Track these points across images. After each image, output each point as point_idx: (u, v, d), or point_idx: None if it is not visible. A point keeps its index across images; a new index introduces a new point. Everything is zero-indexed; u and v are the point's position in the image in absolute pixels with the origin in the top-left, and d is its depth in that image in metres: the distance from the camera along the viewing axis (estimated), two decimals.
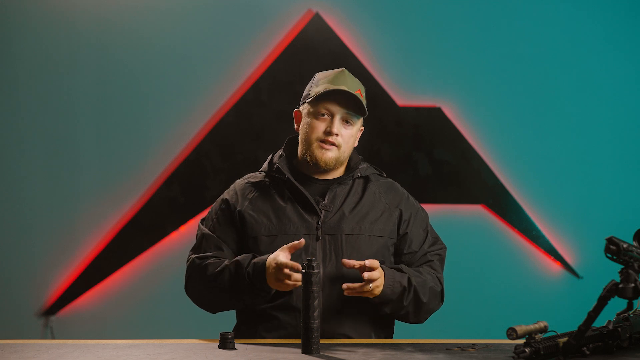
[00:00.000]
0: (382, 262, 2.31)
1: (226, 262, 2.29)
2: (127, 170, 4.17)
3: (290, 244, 2.20)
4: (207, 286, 2.31)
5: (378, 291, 2.21)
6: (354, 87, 2.37)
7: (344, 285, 2.19)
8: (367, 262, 2.18)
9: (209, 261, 2.33)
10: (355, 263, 2.20)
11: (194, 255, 2.38)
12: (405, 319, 2.36)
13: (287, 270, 2.15)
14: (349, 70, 2.47)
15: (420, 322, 2.38)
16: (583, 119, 4.26)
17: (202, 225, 2.43)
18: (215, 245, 2.37)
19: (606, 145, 4.26)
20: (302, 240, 2.20)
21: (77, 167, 4.16)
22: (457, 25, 4.24)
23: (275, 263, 2.17)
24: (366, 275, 2.17)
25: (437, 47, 4.24)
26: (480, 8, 4.24)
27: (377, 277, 2.19)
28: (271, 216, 2.35)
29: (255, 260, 2.24)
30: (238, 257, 2.28)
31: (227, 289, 2.27)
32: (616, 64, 4.27)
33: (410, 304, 2.30)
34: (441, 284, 2.41)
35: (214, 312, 2.41)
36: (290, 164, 2.43)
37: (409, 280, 2.28)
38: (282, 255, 2.18)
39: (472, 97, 4.23)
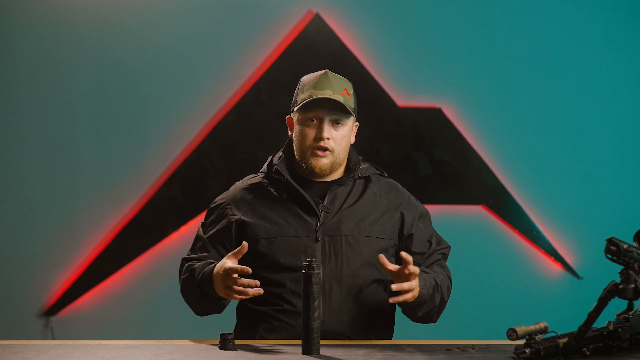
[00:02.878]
0: (386, 275, 2.31)
1: (194, 266, 2.31)
2: (127, 170, 4.17)
3: (235, 250, 2.18)
4: (181, 290, 2.37)
5: (416, 293, 2.19)
6: (339, 87, 2.36)
7: (394, 287, 2.14)
8: (412, 268, 2.14)
9: (187, 264, 2.35)
10: (390, 266, 2.17)
11: (183, 258, 2.41)
12: (430, 319, 2.35)
13: (235, 276, 2.13)
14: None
15: (435, 321, 2.38)
16: (583, 119, 4.26)
17: (201, 228, 2.45)
18: (203, 247, 2.39)
19: (606, 145, 4.26)
20: (245, 244, 2.17)
21: (77, 167, 4.16)
22: (457, 25, 4.24)
23: (222, 270, 2.16)
24: (394, 286, 2.13)
25: (437, 47, 4.23)
26: (480, 8, 4.24)
27: (411, 287, 2.17)
28: (270, 219, 2.35)
29: (205, 268, 2.25)
30: (196, 265, 2.30)
31: (190, 294, 2.32)
32: (616, 64, 4.27)
33: (437, 304, 2.30)
34: (450, 280, 2.41)
35: (196, 314, 2.41)
36: (290, 165, 2.43)
37: (435, 280, 2.29)
38: (229, 262, 2.17)
39: (472, 98, 4.23)
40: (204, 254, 2.37)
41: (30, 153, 4.16)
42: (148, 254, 4.17)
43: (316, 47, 4.19)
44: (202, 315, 2.40)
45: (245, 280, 2.13)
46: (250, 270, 2.13)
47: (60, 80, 4.16)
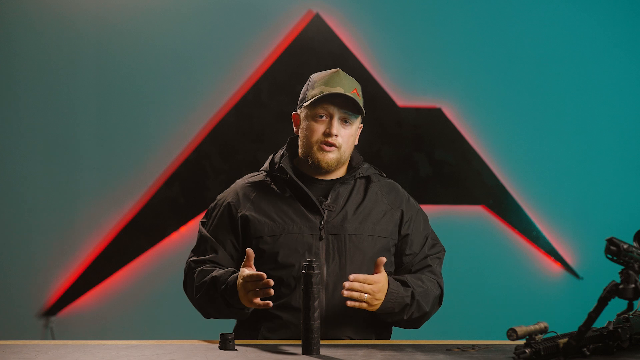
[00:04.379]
0: (389, 273, 2.32)
1: (213, 273, 2.29)
2: (127, 170, 4.17)
3: (246, 257, 2.19)
4: (195, 294, 2.34)
5: (377, 304, 2.20)
6: (350, 86, 2.37)
7: (345, 293, 2.16)
8: (361, 277, 2.16)
9: (200, 268, 2.34)
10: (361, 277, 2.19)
11: (191, 258, 2.40)
12: (405, 327, 2.37)
13: (252, 282, 2.12)
14: (349, 71, 2.47)
15: (418, 327, 2.39)
16: (583, 119, 4.26)
17: (202, 227, 2.44)
18: (211, 248, 2.38)
19: (606, 145, 4.26)
20: (249, 250, 2.18)
21: (77, 167, 4.17)
22: (457, 26, 4.24)
23: (241, 279, 2.16)
24: (347, 285, 2.14)
25: (437, 47, 4.24)
26: (480, 8, 4.24)
27: (361, 297, 2.17)
28: (274, 216, 2.35)
29: (229, 278, 2.24)
30: (216, 273, 2.28)
31: (209, 301, 2.30)
32: (616, 64, 4.27)
33: (412, 316, 2.31)
34: (441, 288, 2.42)
35: (205, 317, 2.41)
36: (292, 164, 2.43)
37: (413, 294, 2.28)
38: (246, 270, 2.17)
39: (472, 98, 4.23)
40: (212, 254, 2.37)
41: (30, 153, 4.16)
42: (148, 254, 4.17)
43: (316, 47, 4.19)
44: (209, 317, 2.39)
45: (260, 282, 2.11)
46: (264, 275, 2.11)
47: (60, 80, 4.16)
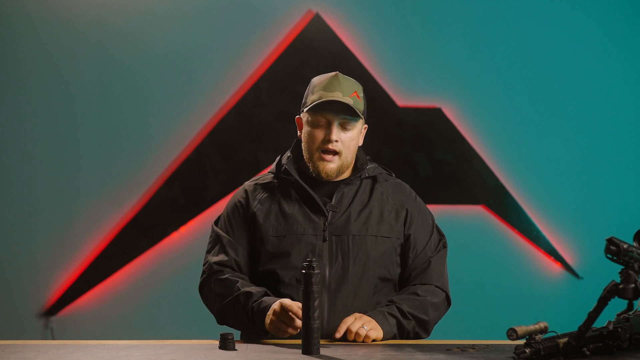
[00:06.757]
0: (391, 276, 2.36)
1: (238, 284, 2.29)
2: (127, 170, 4.18)
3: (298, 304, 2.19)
4: (216, 302, 2.34)
5: (379, 332, 2.22)
6: (349, 90, 2.36)
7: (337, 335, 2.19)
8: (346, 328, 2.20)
9: (225, 277, 2.33)
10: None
11: (212, 260, 2.38)
12: (415, 338, 2.36)
13: (291, 314, 2.13)
14: (349, 71, 2.47)
15: (428, 335, 2.38)
16: (583, 119, 4.26)
17: (216, 227, 2.44)
18: (231, 247, 2.37)
19: (606, 145, 4.26)
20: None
21: (77, 167, 4.17)
22: (457, 26, 4.24)
23: (281, 305, 2.16)
24: (338, 336, 2.18)
25: (437, 47, 4.24)
26: (480, 8, 4.24)
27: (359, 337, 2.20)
28: (279, 217, 2.36)
29: (264, 298, 2.24)
30: (251, 289, 2.28)
31: (232, 314, 2.30)
32: (616, 64, 4.27)
33: (413, 329, 2.31)
34: (444, 291, 2.41)
35: (219, 323, 2.41)
36: (298, 165, 2.44)
37: (400, 310, 2.28)
38: (290, 300, 2.19)
39: (472, 98, 4.23)
40: (232, 254, 2.36)
41: (30, 153, 4.16)
42: (148, 254, 4.17)
43: (316, 47, 4.19)
44: (224, 324, 2.40)
45: (299, 323, 2.12)
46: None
47: (60, 80, 4.16)
